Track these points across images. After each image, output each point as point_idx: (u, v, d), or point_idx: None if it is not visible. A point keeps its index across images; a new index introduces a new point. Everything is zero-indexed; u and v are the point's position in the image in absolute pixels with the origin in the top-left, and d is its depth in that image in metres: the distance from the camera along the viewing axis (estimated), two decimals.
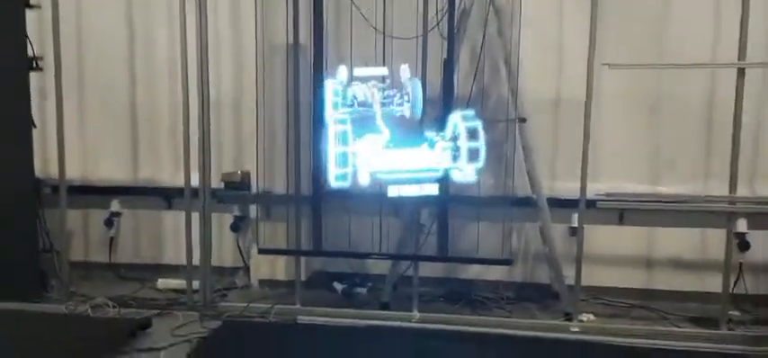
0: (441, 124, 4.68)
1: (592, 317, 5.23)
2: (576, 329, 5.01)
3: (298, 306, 5.31)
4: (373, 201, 5.12)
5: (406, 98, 4.43)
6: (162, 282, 5.91)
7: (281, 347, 4.66)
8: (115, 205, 6.29)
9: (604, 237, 5.65)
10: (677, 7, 5.51)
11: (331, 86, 4.35)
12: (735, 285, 5.33)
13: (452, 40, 5.00)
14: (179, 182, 6.11)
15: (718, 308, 5.26)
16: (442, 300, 5.69)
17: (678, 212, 5.39)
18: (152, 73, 6.22)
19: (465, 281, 5.92)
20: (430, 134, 4.56)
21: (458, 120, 4.44)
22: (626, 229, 5.71)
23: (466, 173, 4.34)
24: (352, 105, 4.41)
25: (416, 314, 5.19)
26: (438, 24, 5.09)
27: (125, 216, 6.33)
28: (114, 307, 5.27)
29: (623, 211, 5.57)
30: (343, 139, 4.28)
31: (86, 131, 6.26)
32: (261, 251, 5.47)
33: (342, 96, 4.28)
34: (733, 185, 4.87)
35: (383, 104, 4.35)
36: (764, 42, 5.17)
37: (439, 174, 4.55)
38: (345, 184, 4.39)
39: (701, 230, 5.63)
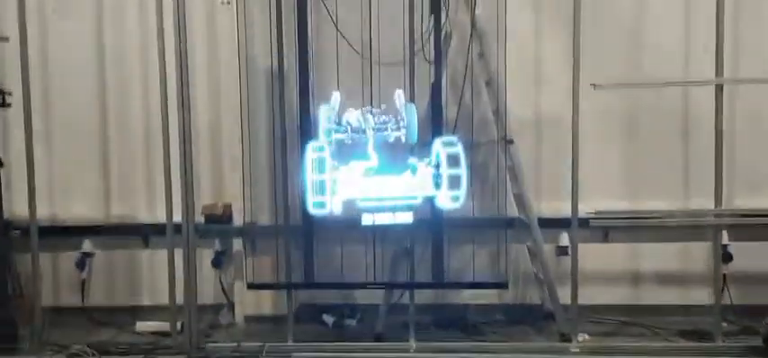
0: (429, 149, 4.65)
1: (587, 336, 5.22)
2: (576, 350, 4.98)
3: (290, 343, 5.12)
4: (361, 229, 5.01)
5: (401, 123, 4.38)
6: (141, 325, 5.62)
7: None
8: (87, 245, 5.97)
9: (591, 256, 5.68)
10: (650, 26, 5.65)
11: (325, 112, 4.26)
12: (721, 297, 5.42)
13: (439, 63, 4.99)
14: (156, 218, 5.92)
15: (706, 321, 5.37)
16: (434, 328, 5.59)
17: (661, 228, 5.49)
18: (124, 103, 5.98)
19: (456, 306, 5.85)
20: (413, 160, 4.51)
21: (439, 146, 4.41)
22: (611, 247, 5.77)
23: (446, 199, 4.28)
24: (345, 131, 4.34)
25: (413, 344, 5.07)
26: (423, 48, 5.08)
27: (98, 256, 6.02)
28: (93, 354, 4.96)
29: (608, 229, 5.63)
30: (321, 167, 4.19)
31: (54, 168, 5.94)
32: (250, 286, 5.26)
33: (335, 122, 4.19)
34: (718, 199, 4.98)
35: (377, 130, 4.28)
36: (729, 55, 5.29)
37: (416, 202, 4.48)
38: (324, 212, 4.28)
39: (684, 244, 5.74)
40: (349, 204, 4.59)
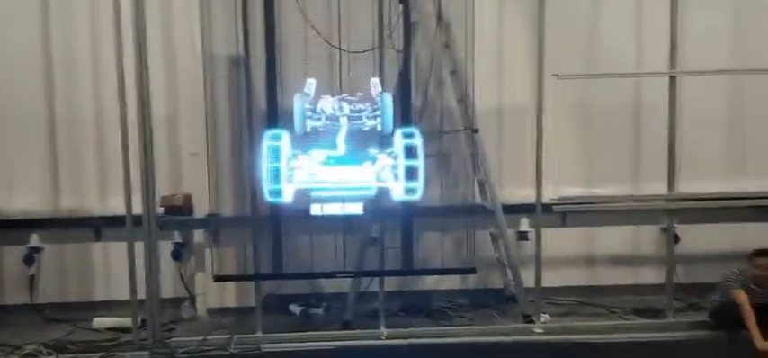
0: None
1: (548, 317, 5.41)
2: (540, 330, 5.15)
3: (259, 334, 5.04)
4: (328, 219, 5.00)
5: (377, 112, 4.37)
6: (98, 322, 5.39)
7: None
8: (35, 240, 5.66)
9: (549, 240, 5.86)
10: (605, 19, 5.85)
11: (300, 99, 4.19)
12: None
13: (409, 52, 5.00)
14: (108, 210, 5.68)
15: (656, 299, 5.68)
16: (401, 314, 5.65)
17: (614, 212, 5.74)
18: (72, 93, 5.68)
19: (421, 293, 5.92)
20: (374, 151, 4.48)
21: (398, 137, 4.40)
22: (568, 230, 5.98)
23: (401, 191, 4.26)
24: (319, 119, 4.28)
25: (384, 331, 5.10)
26: (391, 35, 5.07)
27: (47, 251, 5.71)
28: (50, 354, 4.72)
29: (566, 214, 5.83)
30: (275, 155, 4.10)
31: None
32: (217, 278, 5.13)
33: (310, 109, 4.12)
34: (671, 184, 5.26)
35: (352, 119, 4.25)
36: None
37: (370, 193, 4.46)
38: (280, 201, 4.19)
39: (635, 227, 6.03)
40: (306, 194, 4.52)
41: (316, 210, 4.27)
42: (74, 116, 5.64)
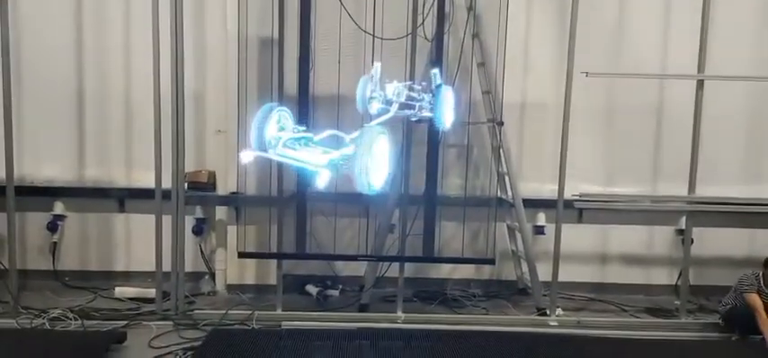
0: None
1: (561, 311, 5.50)
2: (555, 323, 5.25)
3: (279, 311, 5.13)
4: (351, 202, 5.08)
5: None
6: (120, 291, 5.47)
7: (273, 354, 4.47)
8: (59, 207, 5.72)
9: (564, 235, 5.94)
10: (630, 19, 5.88)
11: (364, 82, 4.16)
12: (679, 277, 5.82)
13: (440, 41, 5.04)
14: (133, 182, 5.75)
15: (666, 299, 5.79)
16: (416, 300, 5.74)
17: (631, 211, 5.82)
18: (102, 63, 5.72)
19: (435, 280, 6.01)
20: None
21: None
22: (584, 227, 6.06)
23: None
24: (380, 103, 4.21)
25: (401, 315, 5.20)
26: (423, 23, 5.10)
27: (70, 219, 5.78)
28: (76, 319, 4.80)
29: (582, 211, 5.90)
30: (261, 122, 3.92)
31: (24, 126, 5.62)
32: (241, 255, 5.21)
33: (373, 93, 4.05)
34: (692, 187, 5.33)
35: (405, 106, 4.22)
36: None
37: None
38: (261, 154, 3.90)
39: (649, 228, 6.11)
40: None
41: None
42: (103, 90, 5.69)
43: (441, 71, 4.90)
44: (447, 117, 4.51)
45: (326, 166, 3.55)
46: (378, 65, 4.07)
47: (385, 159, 3.48)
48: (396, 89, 4.05)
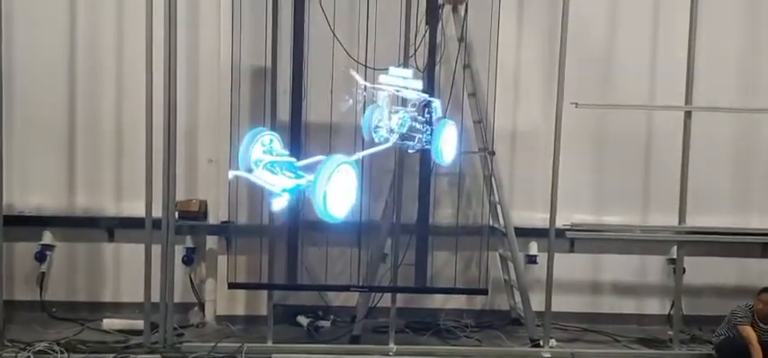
0: None
1: (555, 342, 5.47)
2: (548, 355, 5.21)
3: (270, 344, 5.07)
4: (343, 232, 5.05)
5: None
6: (108, 323, 5.38)
7: None
8: (48, 237, 5.65)
9: (556, 264, 5.93)
10: (618, 49, 5.96)
11: (370, 110, 4.17)
12: (672, 307, 5.81)
13: (432, 71, 5.08)
14: (122, 211, 5.70)
15: (659, 330, 5.77)
16: (408, 331, 5.68)
17: (622, 241, 5.83)
18: (93, 90, 5.71)
19: (427, 310, 5.96)
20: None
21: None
22: (576, 256, 6.06)
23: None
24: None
25: (393, 347, 5.15)
26: (415, 54, 5.14)
27: (59, 249, 5.71)
28: (63, 353, 4.71)
29: (574, 240, 5.90)
30: (247, 143, 3.95)
31: (13, 154, 5.55)
32: (231, 286, 5.15)
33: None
34: (682, 217, 5.35)
35: (404, 137, 4.23)
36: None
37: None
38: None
39: (641, 257, 6.12)
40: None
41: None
42: (93, 118, 5.67)
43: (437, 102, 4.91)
44: (448, 153, 4.48)
45: (289, 191, 3.55)
46: (385, 94, 4.07)
47: (349, 189, 3.47)
48: (401, 119, 4.06)
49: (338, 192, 3.38)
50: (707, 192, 5.91)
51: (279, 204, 3.60)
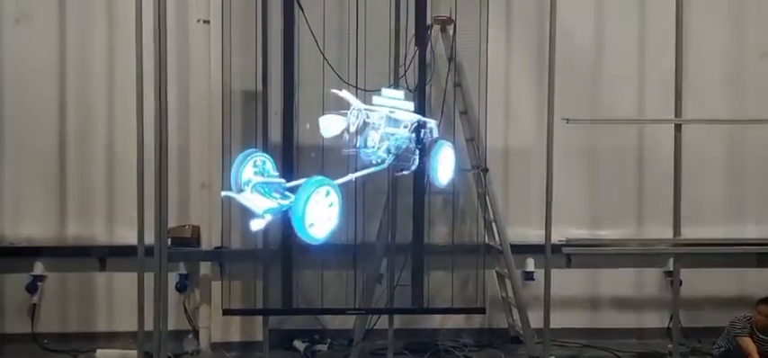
0: None
1: None
2: None
3: None
4: (338, 254, 5.02)
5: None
6: (101, 353, 5.31)
7: None
8: (39, 268, 5.58)
9: (553, 280, 5.89)
10: (608, 63, 5.99)
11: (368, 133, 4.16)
12: (671, 320, 5.78)
13: (423, 89, 5.07)
14: (114, 239, 5.65)
15: (659, 343, 5.73)
16: (406, 353, 5.63)
17: (618, 255, 5.81)
18: (83, 118, 5.68)
19: (425, 331, 5.90)
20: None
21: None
22: (573, 272, 6.03)
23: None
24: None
25: None
26: (405, 74, 5.14)
27: (50, 280, 5.64)
28: None
29: (571, 255, 5.88)
30: (239, 166, 3.98)
31: (3, 183, 5.53)
32: (226, 312, 5.09)
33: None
34: (677, 229, 5.34)
35: (402, 160, 4.21)
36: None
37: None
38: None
39: (638, 271, 6.10)
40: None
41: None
42: (84, 145, 5.64)
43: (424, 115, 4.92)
44: (444, 175, 4.46)
45: (271, 212, 3.56)
46: (379, 116, 4.07)
47: (330, 210, 3.47)
48: (396, 141, 4.05)
49: (318, 213, 3.39)
50: (701, 202, 5.91)
51: (258, 225, 3.60)
